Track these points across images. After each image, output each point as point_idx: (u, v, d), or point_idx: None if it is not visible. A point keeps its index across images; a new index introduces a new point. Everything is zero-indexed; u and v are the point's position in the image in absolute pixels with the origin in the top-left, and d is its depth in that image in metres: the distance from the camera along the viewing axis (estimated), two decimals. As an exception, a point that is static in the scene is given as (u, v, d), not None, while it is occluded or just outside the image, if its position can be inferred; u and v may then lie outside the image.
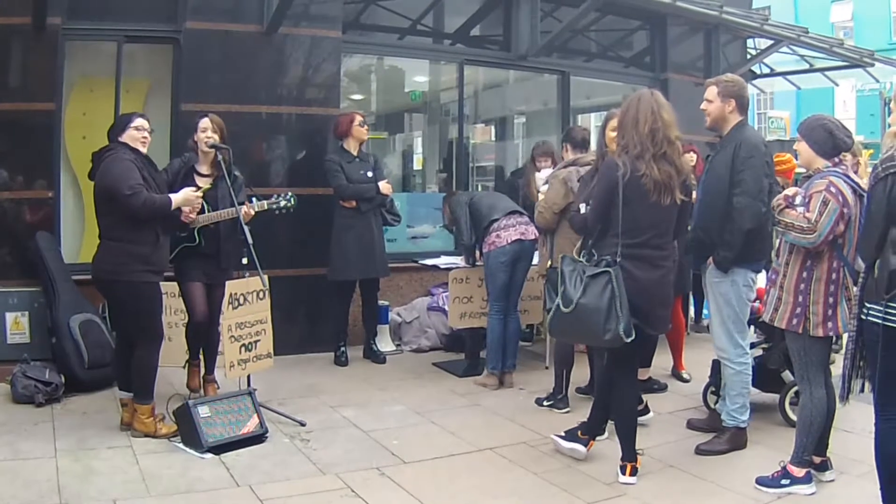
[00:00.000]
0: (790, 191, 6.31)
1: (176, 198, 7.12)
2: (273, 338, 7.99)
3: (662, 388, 9.20)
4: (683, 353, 9.91)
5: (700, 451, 7.21)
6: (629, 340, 6.22)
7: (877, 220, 5.20)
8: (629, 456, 6.61)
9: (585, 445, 7.04)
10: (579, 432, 7.15)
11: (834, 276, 6.15)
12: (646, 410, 7.80)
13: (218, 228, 8.02)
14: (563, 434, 7.26)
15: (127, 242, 7.09)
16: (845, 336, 5.98)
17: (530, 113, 16.74)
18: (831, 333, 6.19)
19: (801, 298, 6.19)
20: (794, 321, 6.22)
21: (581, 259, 6.59)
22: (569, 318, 6.37)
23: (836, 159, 6.24)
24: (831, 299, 6.14)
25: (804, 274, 6.19)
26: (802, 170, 6.81)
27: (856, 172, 5.94)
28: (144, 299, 7.23)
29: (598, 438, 7.26)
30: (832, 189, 6.01)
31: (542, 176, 9.79)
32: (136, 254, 7.08)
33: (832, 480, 6.50)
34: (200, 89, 10.02)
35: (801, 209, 6.10)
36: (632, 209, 6.33)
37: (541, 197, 8.73)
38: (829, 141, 6.24)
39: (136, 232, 7.05)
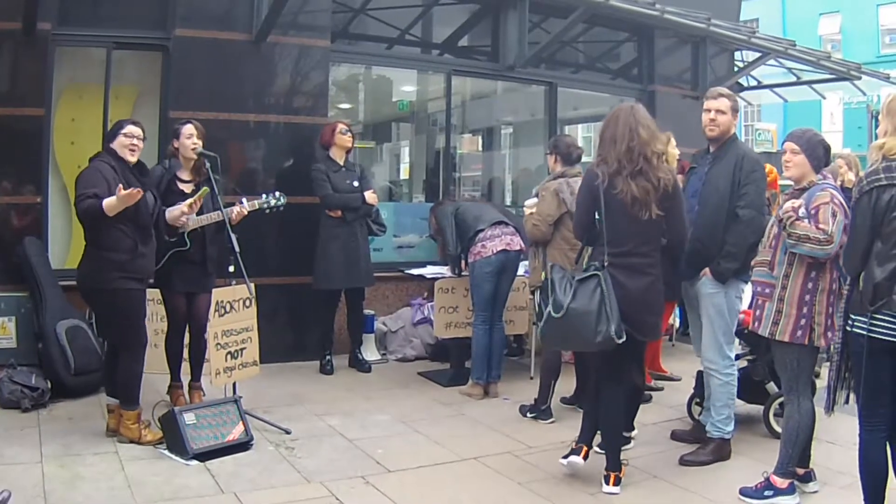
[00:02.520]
0: (794, 203, 6.31)
1: (108, 202, 6.83)
2: (259, 346, 7.99)
3: (646, 399, 9.22)
4: (660, 356, 10.19)
5: (684, 461, 7.23)
6: (620, 342, 6.28)
7: (861, 234, 5.27)
8: (613, 465, 6.63)
9: (579, 454, 7.05)
10: (574, 444, 7.19)
11: (834, 286, 6.20)
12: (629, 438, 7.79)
13: (203, 233, 8.06)
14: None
15: (104, 250, 7.10)
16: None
17: (517, 124, 16.74)
18: (833, 342, 6.18)
19: (805, 310, 6.19)
20: (799, 333, 6.21)
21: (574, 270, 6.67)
22: (560, 324, 6.40)
23: (823, 172, 6.30)
24: (831, 309, 6.18)
25: (809, 285, 6.20)
26: (785, 182, 6.85)
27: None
28: (123, 307, 7.23)
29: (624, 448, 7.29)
30: (836, 201, 6.07)
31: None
32: (114, 261, 7.08)
33: (815, 492, 6.53)
34: (189, 97, 10.04)
35: (806, 221, 6.13)
36: (613, 219, 6.42)
37: (527, 210, 8.75)
38: (825, 158, 6.37)
39: (112, 239, 7.04)
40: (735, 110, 7.26)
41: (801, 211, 6.19)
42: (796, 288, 6.25)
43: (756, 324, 6.55)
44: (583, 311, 6.29)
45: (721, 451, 7.29)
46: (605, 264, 6.40)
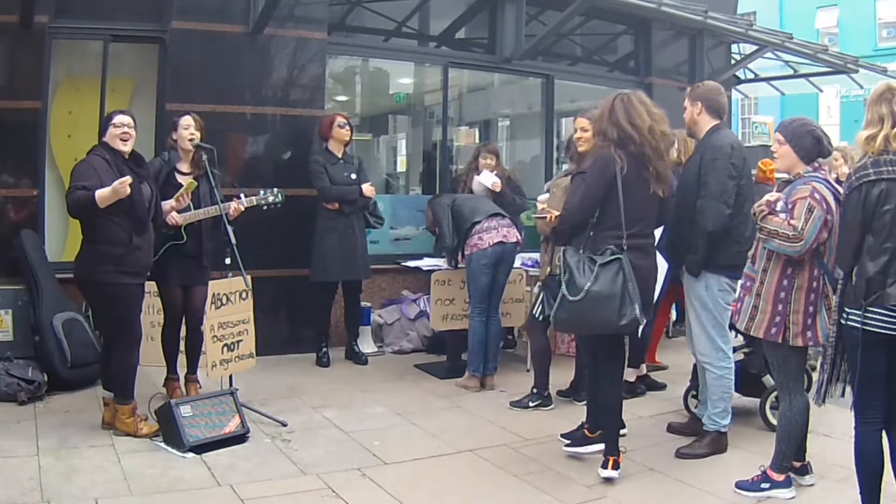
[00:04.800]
0: (771, 196, 6.24)
1: (101, 193, 6.83)
2: (255, 338, 8.01)
3: (660, 386, 9.30)
4: (657, 347, 10.20)
5: (680, 454, 7.23)
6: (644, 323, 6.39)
7: (853, 229, 5.27)
8: (611, 450, 6.66)
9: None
10: (586, 431, 7.32)
11: (815, 284, 6.09)
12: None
13: (200, 227, 8.08)
14: (569, 441, 7.38)
15: (99, 243, 7.10)
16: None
17: (514, 116, 16.70)
18: (811, 343, 6.15)
19: (780, 307, 6.15)
20: (773, 330, 6.18)
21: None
22: (578, 307, 6.39)
23: (816, 164, 6.24)
24: (811, 308, 6.10)
25: (784, 282, 6.14)
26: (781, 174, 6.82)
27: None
28: (116, 301, 7.23)
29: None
30: (816, 195, 5.96)
31: (482, 179, 9.88)
32: (108, 255, 7.07)
33: (812, 485, 6.53)
34: (186, 89, 10.03)
35: (782, 215, 6.08)
36: (627, 201, 6.47)
37: (539, 206, 8.76)
38: (815, 148, 6.18)
39: (107, 233, 7.03)
40: (696, 98, 7.33)
41: (780, 205, 6.13)
42: (772, 284, 6.21)
43: (736, 316, 6.57)
44: (606, 294, 6.32)
45: (717, 445, 7.29)
46: (624, 248, 6.44)
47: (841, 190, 5.97)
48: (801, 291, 6.11)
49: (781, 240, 5.98)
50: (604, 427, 6.89)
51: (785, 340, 6.16)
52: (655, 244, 7.02)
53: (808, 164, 6.20)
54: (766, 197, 6.24)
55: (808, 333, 6.11)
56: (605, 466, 6.63)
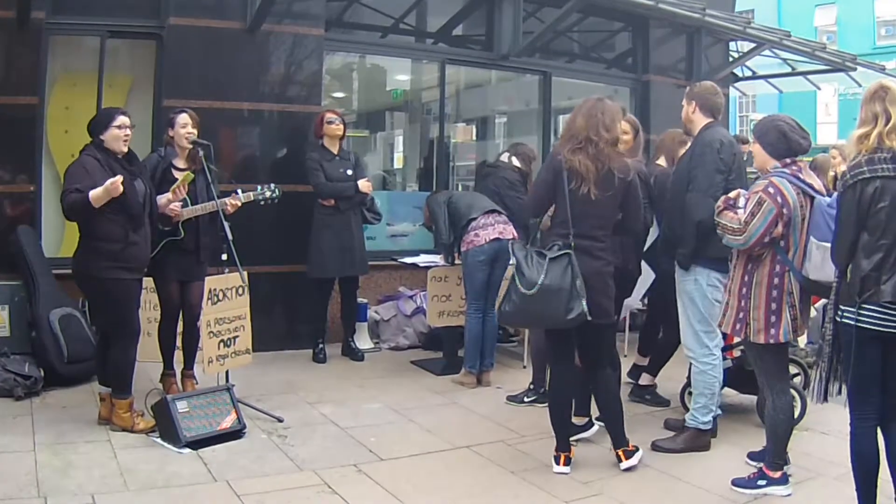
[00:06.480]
0: (733, 193, 6.34)
1: (94, 193, 6.85)
2: (252, 334, 8.01)
3: (664, 403, 8.94)
4: None
5: (656, 447, 7.29)
6: (590, 318, 6.38)
7: (847, 227, 5.28)
8: (562, 447, 6.84)
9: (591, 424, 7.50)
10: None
11: (776, 280, 6.12)
12: (589, 425, 7.75)
13: (196, 222, 8.05)
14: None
15: (96, 239, 7.10)
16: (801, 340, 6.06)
17: (512, 113, 16.71)
18: (772, 341, 6.12)
19: (742, 303, 6.22)
20: (738, 326, 6.26)
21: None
22: (530, 300, 6.45)
23: (788, 160, 6.23)
24: (774, 305, 6.11)
25: (745, 278, 6.21)
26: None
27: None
28: (114, 296, 7.23)
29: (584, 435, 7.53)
30: (770, 189, 6.01)
31: None
32: (105, 251, 7.08)
33: (790, 475, 6.46)
34: (182, 85, 10.03)
35: (740, 211, 6.14)
36: (571, 199, 6.51)
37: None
38: (783, 142, 6.20)
39: (103, 229, 7.04)
40: (691, 97, 7.39)
41: (742, 200, 6.21)
42: (737, 279, 6.30)
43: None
44: (556, 287, 6.38)
45: (696, 442, 7.29)
46: (572, 245, 6.48)
47: (817, 185, 6.03)
48: (760, 287, 6.15)
49: (729, 233, 6.12)
50: (552, 418, 6.95)
51: (747, 336, 6.22)
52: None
53: (778, 159, 6.21)
54: (730, 193, 6.30)
55: (772, 331, 6.12)
56: (557, 462, 6.81)
